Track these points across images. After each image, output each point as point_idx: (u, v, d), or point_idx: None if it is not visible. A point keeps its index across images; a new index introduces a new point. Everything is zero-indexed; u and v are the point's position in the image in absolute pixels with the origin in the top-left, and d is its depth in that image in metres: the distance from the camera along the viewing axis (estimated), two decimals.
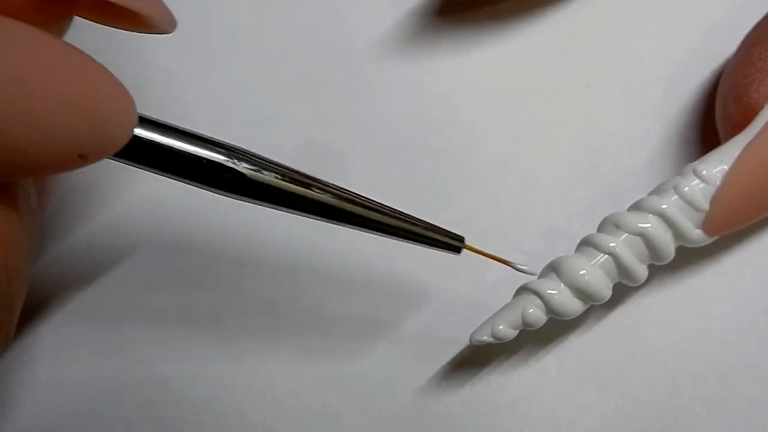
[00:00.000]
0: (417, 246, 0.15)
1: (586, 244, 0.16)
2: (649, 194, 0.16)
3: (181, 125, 0.13)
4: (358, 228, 0.14)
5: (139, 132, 0.12)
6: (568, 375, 0.18)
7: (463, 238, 0.15)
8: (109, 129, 0.11)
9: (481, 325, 0.16)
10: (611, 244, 0.16)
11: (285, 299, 0.19)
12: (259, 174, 0.13)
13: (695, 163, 0.16)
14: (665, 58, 0.20)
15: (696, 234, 0.16)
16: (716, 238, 0.16)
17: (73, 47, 0.11)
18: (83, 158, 0.11)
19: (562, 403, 0.18)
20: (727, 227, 0.16)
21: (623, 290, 0.18)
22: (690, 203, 0.16)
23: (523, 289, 0.16)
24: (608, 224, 0.16)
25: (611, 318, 0.18)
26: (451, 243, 0.15)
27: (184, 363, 0.19)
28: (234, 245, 0.19)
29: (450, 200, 0.19)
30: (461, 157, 0.20)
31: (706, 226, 0.16)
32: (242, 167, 0.13)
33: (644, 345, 0.18)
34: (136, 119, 0.11)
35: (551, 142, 0.20)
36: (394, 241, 0.15)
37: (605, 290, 0.16)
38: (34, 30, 0.10)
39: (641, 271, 0.16)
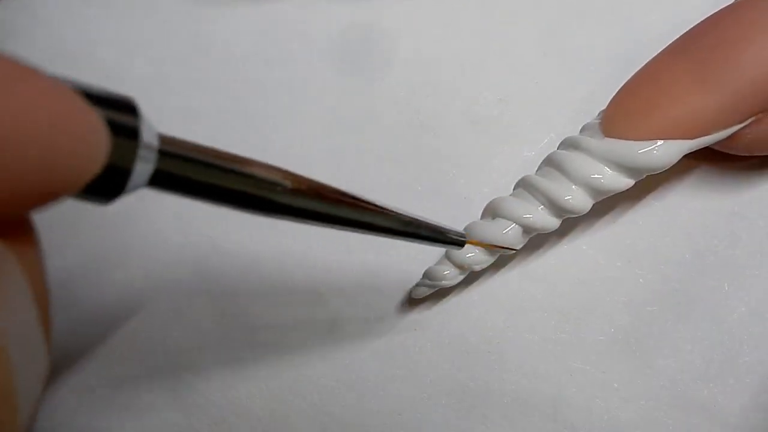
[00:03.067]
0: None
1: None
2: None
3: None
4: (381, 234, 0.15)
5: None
6: (600, 249, 0.19)
7: (465, 235, 0.17)
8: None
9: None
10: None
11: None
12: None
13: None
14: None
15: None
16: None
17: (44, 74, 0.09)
18: (53, 194, 0.09)
19: (594, 277, 0.19)
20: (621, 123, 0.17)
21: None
22: (588, 127, 0.18)
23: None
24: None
25: (642, 200, 0.19)
26: (457, 240, 0.16)
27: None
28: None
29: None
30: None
31: (603, 128, 0.17)
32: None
33: (674, 222, 0.19)
34: (106, 147, 0.10)
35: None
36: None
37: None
38: None
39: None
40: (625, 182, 0.17)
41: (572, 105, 0.20)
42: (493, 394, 0.19)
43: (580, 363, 0.18)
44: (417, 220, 0.15)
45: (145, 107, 0.11)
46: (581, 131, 0.18)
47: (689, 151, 0.16)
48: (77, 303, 0.20)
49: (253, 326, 0.20)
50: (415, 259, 0.20)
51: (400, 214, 0.15)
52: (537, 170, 0.18)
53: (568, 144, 0.18)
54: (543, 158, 0.19)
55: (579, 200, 0.17)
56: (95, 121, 0.09)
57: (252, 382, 0.19)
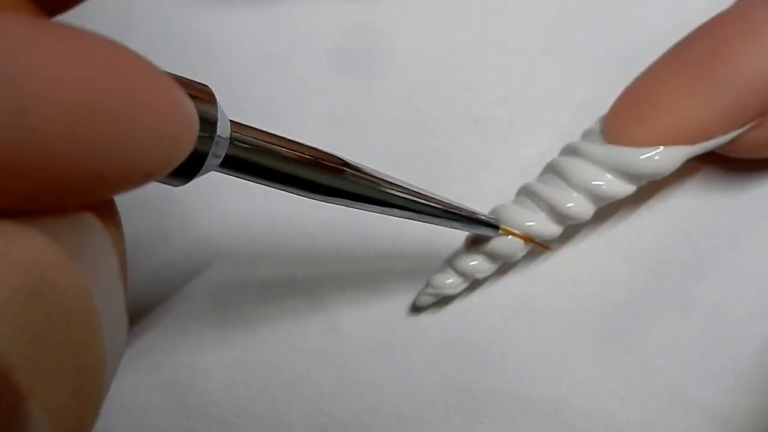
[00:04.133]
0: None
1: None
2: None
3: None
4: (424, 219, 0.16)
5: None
6: (600, 249, 0.19)
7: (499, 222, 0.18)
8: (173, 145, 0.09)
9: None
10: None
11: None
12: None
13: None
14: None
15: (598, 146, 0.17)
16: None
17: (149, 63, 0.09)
18: (148, 176, 0.09)
19: (594, 277, 0.19)
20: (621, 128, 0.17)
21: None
22: (589, 133, 0.18)
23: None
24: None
25: (643, 201, 0.19)
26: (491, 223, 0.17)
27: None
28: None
29: None
30: None
31: (604, 134, 0.17)
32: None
33: (674, 222, 0.19)
34: (196, 134, 0.10)
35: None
36: None
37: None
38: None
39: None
40: (627, 188, 0.17)
41: (572, 105, 0.20)
42: (493, 394, 0.19)
43: (580, 363, 0.18)
44: (455, 204, 0.16)
45: None
46: (582, 137, 0.18)
47: (690, 157, 0.16)
48: None
49: (253, 326, 0.20)
50: (415, 260, 0.20)
51: (443, 201, 0.16)
52: (538, 177, 0.18)
53: (569, 150, 0.18)
54: (543, 158, 0.19)
55: (580, 207, 0.17)
56: (191, 109, 0.10)
57: (252, 382, 0.19)
